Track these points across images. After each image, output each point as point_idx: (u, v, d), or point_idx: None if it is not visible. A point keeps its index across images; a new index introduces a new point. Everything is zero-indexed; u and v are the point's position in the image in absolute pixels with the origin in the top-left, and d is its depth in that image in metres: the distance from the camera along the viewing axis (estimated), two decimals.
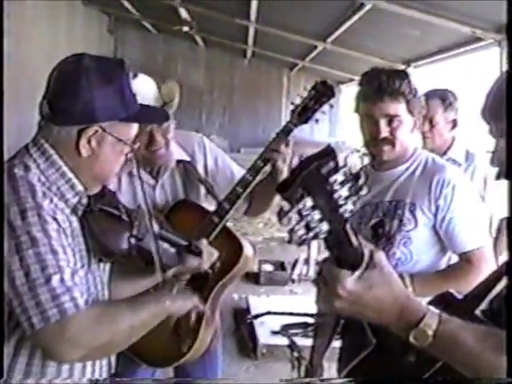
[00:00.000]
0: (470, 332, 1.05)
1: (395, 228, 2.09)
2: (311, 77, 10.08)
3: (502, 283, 1.29)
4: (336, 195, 0.97)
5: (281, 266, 5.92)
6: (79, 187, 1.49)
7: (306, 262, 5.88)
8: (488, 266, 1.96)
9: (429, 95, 2.88)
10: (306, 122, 2.17)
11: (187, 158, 2.30)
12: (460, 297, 1.37)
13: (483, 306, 1.27)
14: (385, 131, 2.08)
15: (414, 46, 6.36)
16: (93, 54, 1.52)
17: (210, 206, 2.26)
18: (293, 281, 5.72)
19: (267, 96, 11.80)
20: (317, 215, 0.97)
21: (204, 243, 1.87)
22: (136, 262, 1.63)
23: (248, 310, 4.72)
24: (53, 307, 1.30)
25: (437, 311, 1.07)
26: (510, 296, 1.05)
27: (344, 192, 0.98)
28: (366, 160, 2.30)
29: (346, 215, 0.99)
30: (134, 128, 1.55)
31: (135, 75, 2.04)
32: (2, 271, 1.30)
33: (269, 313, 4.43)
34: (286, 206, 0.98)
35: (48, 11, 7.21)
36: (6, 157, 1.43)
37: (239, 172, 2.32)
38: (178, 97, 2.27)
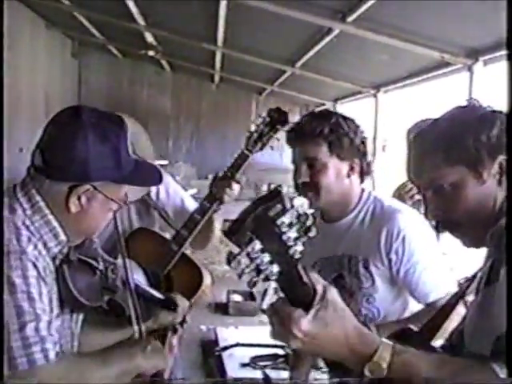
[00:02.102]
0: (425, 361, 1.07)
1: (354, 285, 1.97)
2: (280, 101, 10.03)
3: (456, 316, 1.42)
4: (285, 237, 0.99)
5: (250, 295, 5.80)
6: (62, 237, 1.49)
7: (276, 291, 5.73)
8: None
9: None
10: (261, 148, 2.15)
11: None
12: (416, 329, 1.48)
13: (442, 341, 1.38)
14: (305, 176, 1.96)
15: (383, 71, 6.35)
16: (92, 108, 1.52)
17: (164, 235, 2.29)
18: (263, 311, 5.59)
19: (235, 121, 11.57)
20: (266, 257, 0.99)
21: (180, 298, 1.85)
22: (107, 315, 1.65)
23: (216, 341, 4.58)
24: (23, 356, 1.30)
25: (390, 342, 1.09)
26: (510, 300, 1.05)
27: (293, 233, 0.99)
28: None
29: (296, 256, 1.01)
30: (126, 187, 1.56)
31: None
32: (2, 275, 1.31)
33: (237, 344, 4.30)
34: (234, 249, 0.99)
35: (8, 33, 6.99)
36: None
37: (189, 200, 2.35)
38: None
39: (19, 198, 1.46)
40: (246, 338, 4.40)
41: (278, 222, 0.98)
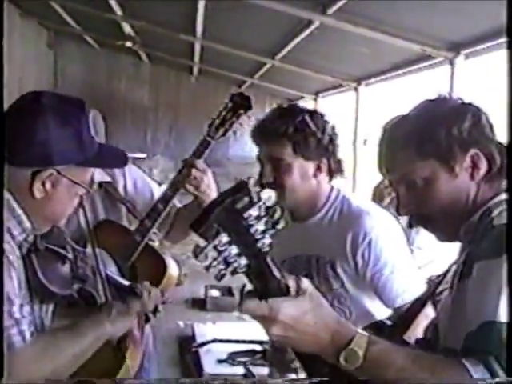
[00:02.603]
0: (401, 353, 1.08)
1: (323, 287, 1.91)
2: (260, 94, 10.01)
3: (429, 309, 1.44)
4: (252, 230, 0.99)
5: (228, 291, 5.66)
6: (27, 224, 1.47)
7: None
8: None
9: None
10: (224, 134, 2.10)
11: (108, 179, 2.27)
12: (389, 323, 1.51)
13: (418, 335, 1.38)
14: (268, 176, 1.90)
15: (364, 64, 6.34)
16: (52, 92, 1.51)
17: (132, 227, 2.24)
18: (240, 311, 5.57)
19: (215, 114, 11.55)
20: (234, 250, 0.99)
21: (146, 286, 1.81)
22: (78, 305, 1.62)
23: (193, 337, 4.51)
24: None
25: (365, 333, 1.09)
26: (510, 298, 1.03)
27: (260, 226, 0.99)
28: None
29: (265, 249, 1.01)
30: (91, 170, 1.56)
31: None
32: (2, 272, 1.32)
33: (215, 340, 4.26)
34: (201, 242, 0.99)
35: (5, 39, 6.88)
36: None
37: (160, 192, 2.29)
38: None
39: None
40: (223, 334, 4.37)
41: (246, 214, 0.98)
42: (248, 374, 3.37)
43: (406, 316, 1.51)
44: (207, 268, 0.99)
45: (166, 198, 2.14)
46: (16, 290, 1.38)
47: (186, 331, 4.73)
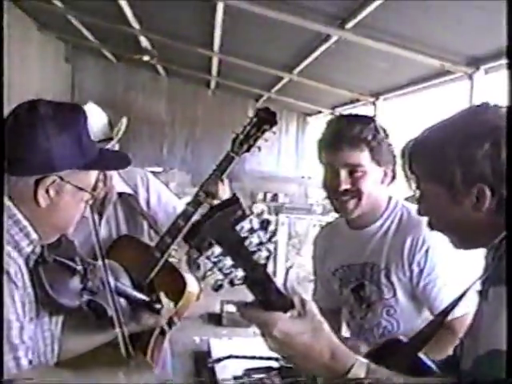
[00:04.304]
0: (398, 382, 1.08)
1: (375, 295, 1.91)
2: (277, 108, 9.89)
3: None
4: (246, 242, 1.01)
5: (244, 306, 5.72)
6: (34, 236, 1.46)
7: None
8: None
9: None
10: (248, 150, 2.08)
11: (130, 191, 2.28)
12: (406, 340, 1.49)
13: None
14: (346, 183, 1.87)
15: (382, 79, 6.32)
16: (48, 100, 1.50)
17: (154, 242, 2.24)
18: None
19: (232, 128, 11.26)
20: (229, 261, 1.01)
21: (164, 300, 1.83)
22: (88, 317, 1.60)
23: (209, 353, 4.52)
24: None
25: (365, 361, 1.09)
26: (510, 297, 1.04)
27: (255, 239, 1.01)
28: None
29: (262, 262, 1.02)
30: (94, 174, 1.54)
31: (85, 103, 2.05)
32: (2, 270, 1.32)
33: (231, 356, 4.23)
34: (194, 253, 1.01)
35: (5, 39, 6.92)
36: None
37: (182, 207, 2.26)
38: (124, 125, 2.28)
39: None
40: (239, 350, 4.33)
41: (238, 227, 1.00)
42: None
43: (423, 333, 1.50)
44: (202, 278, 1.02)
45: (187, 214, 2.11)
46: (18, 311, 1.37)
47: (201, 346, 4.72)
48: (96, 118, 2.14)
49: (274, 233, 1.03)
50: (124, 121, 2.27)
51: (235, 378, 3.83)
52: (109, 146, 2.13)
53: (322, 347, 1.08)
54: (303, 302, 1.10)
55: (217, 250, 1.00)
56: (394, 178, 1.97)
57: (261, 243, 1.02)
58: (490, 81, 4.33)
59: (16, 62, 7.50)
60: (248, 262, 1.02)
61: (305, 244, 7.10)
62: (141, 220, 2.35)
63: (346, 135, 1.87)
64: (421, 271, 1.85)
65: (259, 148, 2.10)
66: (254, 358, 4.04)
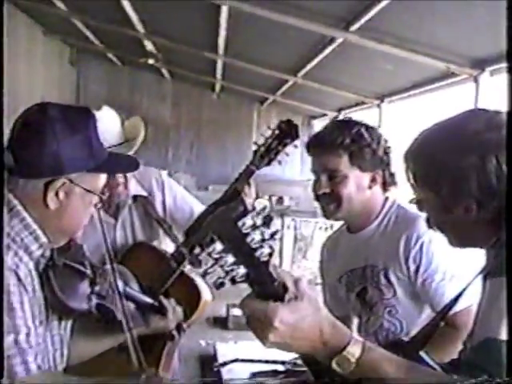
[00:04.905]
0: (393, 363, 1.07)
1: (376, 297, 1.93)
2: (282, 111, 9.99)
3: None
4: (248, 239, 0.99)
5: None
6: (43, 239, 1.46)
7: None
8: None
9: None
10: (268, 163, 2.09)
11: (144, 194, 2.25)
12: (407, 340, 1.52)
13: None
14: (324, 187, 1.92)
15: (387, 81, 6.31)
16: (57, 103, 1.51)
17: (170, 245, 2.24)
18: None
19: (237, 131, 11.58)
20: (230, 259, 0.99)
21: (171, 302, 1.84)
22: (97, 321, 1.63)
23: (215, 357, 4.54)
24: (3, 368, 1.27)
25: (361, 339, 1.09)
26: (510, 296, 1.04)
27: (257, 236, 0.99)
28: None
29: (264, 259, 1.00)
30: (103, 177, 1.54)
31: (99, 107, 2.07)
32: (2, 272, 1.30)
33: (237, 360, 4.23)
34: (196, 249, 0.99)
35: (5, 39, 6.93)
36: None
37: (199, 207, 2.25)
38: (143, 133, 2.27)
39: None
40: (245, 354, 4.33)
41: (239, 223, 0.98)
42: None
43: (424, 331, 1.51)
44: (204, 275, 1.00)
45: None
46: (27, 315, 1.37)
47: (207, 350, 4.72)
48: (112, 122, 2.13)
49: (278, 230, 1.02)
50: (142, 130, 2.27)
51: (242, 381, 3.84)
52: (130, 152, 2.12)
53: (322, 326, 1.08)
54: (297, 285, 1.09)
55: (218, 246, 0.98)
56: (389, 182, 1.99)
57: (263, 240, 1.00)
58: (495, 83, 4.31)
59: (21, 65, 7.53)
60: (249, 259, 1.00)
61: (311, 247, 7.09)
62: (157, 224, 2.33)
63: (325, 141, 1.91)
64: (417, 268, 1.87)
65: (280, 162, 2.12)
66: (260, 361, 4.05)
